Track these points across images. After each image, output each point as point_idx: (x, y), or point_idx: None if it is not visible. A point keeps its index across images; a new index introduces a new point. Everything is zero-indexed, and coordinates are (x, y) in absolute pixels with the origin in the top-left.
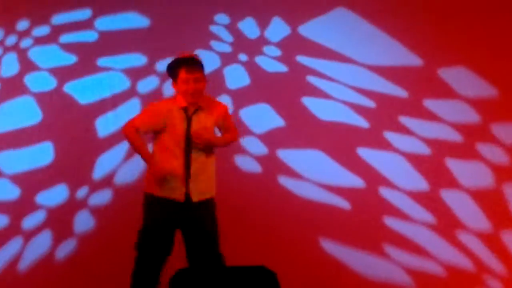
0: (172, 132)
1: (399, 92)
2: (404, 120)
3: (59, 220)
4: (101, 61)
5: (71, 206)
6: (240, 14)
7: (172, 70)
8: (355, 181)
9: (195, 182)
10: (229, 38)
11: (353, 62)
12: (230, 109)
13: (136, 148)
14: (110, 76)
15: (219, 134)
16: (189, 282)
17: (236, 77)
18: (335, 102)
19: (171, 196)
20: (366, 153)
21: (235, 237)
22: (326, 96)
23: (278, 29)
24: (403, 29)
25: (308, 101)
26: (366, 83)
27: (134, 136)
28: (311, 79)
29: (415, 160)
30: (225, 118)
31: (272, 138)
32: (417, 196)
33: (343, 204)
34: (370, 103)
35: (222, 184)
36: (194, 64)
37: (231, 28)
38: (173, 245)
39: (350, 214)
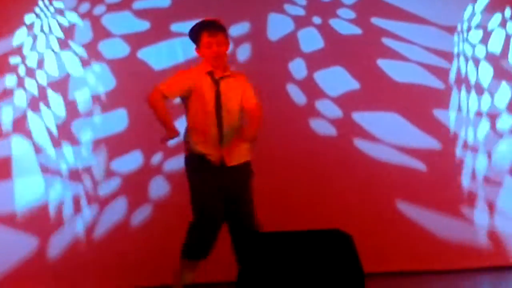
0: (202, 98)
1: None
2: (482, 80)
3: (134, 186)
4: (175, 27)
5: (146, 172)
6: None
7: (195, 35)
8: (431, 143)
9: (228, 146)
10: (302, 1)
11: (428, 23)
12: (304, 73)
13: (159, 116)
14: (184, 42)
15: None
16: (263, 245)
17: (310, 40)
18: (410, 63)
19: (210, 158)
20: (442, 114)
21: (312, 200)
22: (401, 58)
23: None
24: None
25: (383, 63)
26: (441, 44)
27: (159, 104)
28: (386, 41)
29: (493, 119)
30: (248, 87)
31: (347, 101)
32: (495, 157)
33: (420, 166)
34: (446, 64)
35: (298, 148)
36: (216, 27)
37: None
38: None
39: (427, 176)
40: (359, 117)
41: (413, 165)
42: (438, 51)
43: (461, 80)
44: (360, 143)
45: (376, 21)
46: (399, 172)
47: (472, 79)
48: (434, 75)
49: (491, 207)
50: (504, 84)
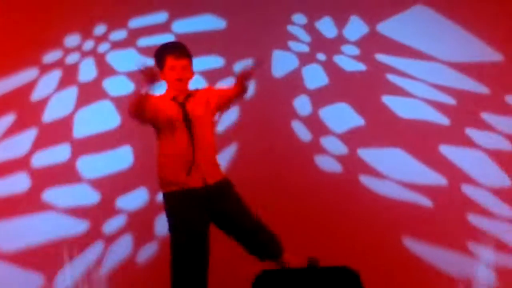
0: (169, 124)
1: (480, 88)
2: (486, 116)
3: (140, 224)
4: None
5: (152, 210)
6: (318, 13)
7: (159, 57)
8: (437, 179)
9: (205, 165)
10: (306, 38)
11: (432, 59)
12: (309, 110)
13: (138, 99)
14: None
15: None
16: (271, 283)
17: (315, 77)
18: (415, 99)
19: (190, 185)
20: (448, 151)
21: (317, 237)
22: (406, 94)
23: (356, 27)
24: (484, 25)
25: (388, 100)
26: (446, 80)
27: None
28: (391, 77)
29: (498, 156)
30: (217, 92)
31: (352, 138)
32: (501, 193)
33: (426, 202)
34: (451, 100)
35: (302, 185)
36: (182, 51)
37: (309, 27)
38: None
39: (433, 212)
40: (364, 153)
41: (419, 201)
42: (443, 87)
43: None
44: (366, 180)
45: (380, 57)
46: (405, 208)
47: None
48: (439, 111)
49: (498, 243)
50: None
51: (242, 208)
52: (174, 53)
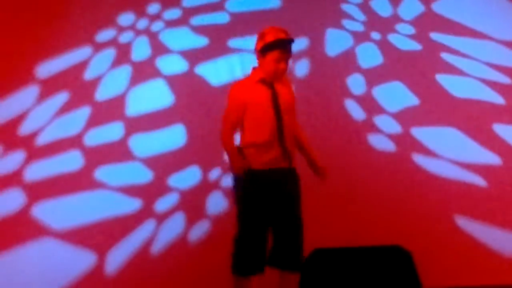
0: (259, 106)
1: None
2: None
3: (192, 202)
4: (232, 43)
5: (204, 188)
6: None
7: (270, 45)
8: (491, 158)
9: (289, 147)
10: (361, 16)
11: (488, 38)
12: (363, 88)
13: (232, 158)
14: (242, 57)
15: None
16: (324, 261)
17: (369, 55)
18: (470, 78)
19: (276, 165)
20: (502, 130)
21: (371, 216)
22: (460, 73)
23: (411, 6)
24: None
25: (443, 79)
26: (501, 59)
27: (232, 147)
28: (445, 56)
29: None
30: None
31: (406, 117)
32: None
33: (479, 181)
34: (506, 79)
35: (356, 163)
36: (290, 46)
37: (364, 6)
38: None
39: (486, 191)
40: (418, 132)
41: (473, 180)
42: (498, 66)
43: None
44: (419, 159)
45: (435, 36)
46: (458, 188)
47: None
48: (494, 90)
49: None
50: None
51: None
52: (285, 47)
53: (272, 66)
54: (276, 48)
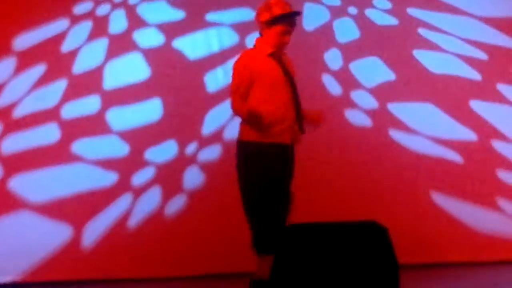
0: (269, 80)
1: None
2: None
3: (169, 176)
4: (210, 16)
5: (180, 162)
6: None
7: (277, 17)
8: (467, 134)
9: (302, 120)
10: None
11: (465, 14)
12: (340, 63)
13: (251, 120)
14: (219, 31)
15: None
16: (299, 237)
17: (346, 30)
18: (447, 54)
19: (286, 141)
20: (479, 106)
21: (347, 191)
22: (437, 48)
23: None
24: None
25: (419, 54)
26: (478, 35)
27: (244, 110)
28: (423, 31)
29: None
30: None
31: (383, 92)
32: None
33: (455, 157)
34: (482, 55)
35: (332, 139)
36: (296, 18)
37: None
38: None
39: (463, 167)
40: (394, 108)
41: (449, 156)
42: (475, 42)
43: (499, 71)
44: (396, 134)
45: (412, 11)
46: (435, 164)
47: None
48: (471, 67)
49: None
50: None
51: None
52: (292, 20)
53: (277, 38)
54: (283, 21)
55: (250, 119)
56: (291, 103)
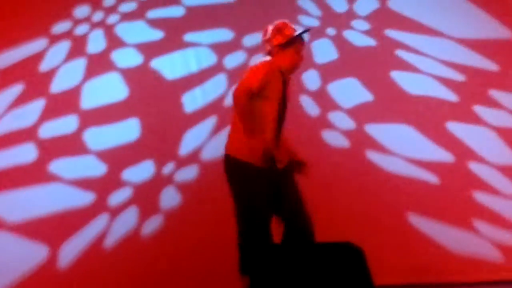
0: (272, 95)
1: (489, 65)
2: (494, 93)
3: (145, 197)
4: (188, 37)
5: (157, 182)
6: None
7: (295, 37)
8: (444, 156)
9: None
10: (317, 12)
11: (442, 36)
12: (317, 84)
13: (248, 118)
14: (197, 52)
15: None
16: (275, 258)
17: (324, 51)
18: (424, 76)
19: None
20: (455, 127)
21: (322, 212)
22: (415, 70)
23: (366, 2)
24: (494, 2)
25: (397, 75)
26: (455, 56)
27: (248, 104)
28: (400, 53)
29: (505, 134)
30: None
31: (360, 113)
32: (507, 170)
33: (432, 178)
34: (459, 77)
35: (309, 159)
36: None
37: (319, 2)
38: None
39: (439, 188)
40: (371, 129)
41: (425, 177)
42: (452, 63)
43: (475, 93)
44: (372, 155)
45: (390, 33)
46: (411, 185)
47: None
48: (448, 88)
49: (503, 220)
50: None
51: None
52: (303, 39)
53: (295, 58)
54: (301, 37)
55: (247, 120)
56: (277, 127)
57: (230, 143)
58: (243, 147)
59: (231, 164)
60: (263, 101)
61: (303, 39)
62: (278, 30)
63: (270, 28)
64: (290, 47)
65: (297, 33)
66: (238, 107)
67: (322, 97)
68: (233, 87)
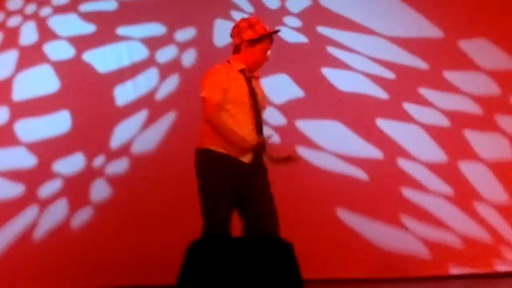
0: (238, 96)
1: (419, 63)
2: (424, 91)
3: (75, 189)
4: (120, 30)
5: (88, 175)
6: None
7: (261, 36)
8: (373, 152)
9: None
10: (249, 8)
11: (373, 33)
12: None
13: (226, 132)
14: (129, 45)
15: None
16: (205, 252)
17: None
18: (355, 73)
19: (241, 158)
20: (385, 124)
21: None
22: (346, 67)
23: None
24: (424, 1)
25: (328, 72)
26: (386, 54)
27: (220, 117)
28: (331, 50)
29: (433, 131)
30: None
31: (291, 109)
32: (435, 168)
33: (361, 175)
34: (390, 75)
35: None
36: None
37: None
38: None
39: (368, 185)
40: (302, 125)
41: (355, 174)
42: (382, 61)
43: (405, 91)
44: (303, 151)
45: (321, 30)
46: (341, 181)
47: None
48: (378, 85)
49: (431, 217)
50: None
51: (267, 197)
52: (272, 39)
53: (261, 56)
54: (268, 37)
55: (227, 132)
56: (254, 125)
57: (203, 136)
58: (217, 137)
59: (205, 156)
60: (232, 105)
61: (272, 39)
62: (250, 25)
63: (242, 22)
64: (259, 45)
65: (269, 32)
66: (213, 126)
67: None
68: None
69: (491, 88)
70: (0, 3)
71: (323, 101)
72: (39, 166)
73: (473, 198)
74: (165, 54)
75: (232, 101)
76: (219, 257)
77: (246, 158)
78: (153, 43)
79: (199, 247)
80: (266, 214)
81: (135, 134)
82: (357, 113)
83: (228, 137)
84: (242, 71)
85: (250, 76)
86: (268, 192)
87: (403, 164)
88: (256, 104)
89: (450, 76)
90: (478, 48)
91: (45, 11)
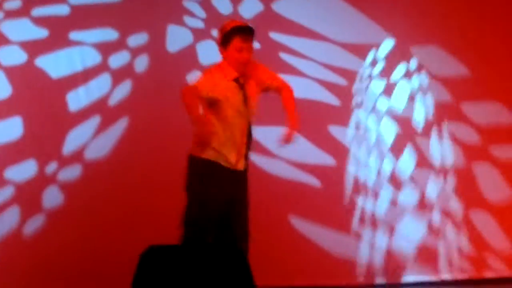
0: (229, 106)
1: (371, 70)
2: (379, 98)
3: (28, 196)
4: (73, 35)
5: (40, 182)
6: None
7: (226, 36)
8: (325, 159)
9: (244, 149)
10: (202, 13)
11: (326, 40)
12: None
13: (191, 110)
14: (82, 51)
15: None
16: (158, 258)
17: (209, 53)
18: (306, 79)
19: (231, 166)
20: (337, 131)
21: None
22: (298, 73)
23: (251, 5)
24: (377, 7)
25: None
26: (338, 60)
27: (191, 100)
28: (284, 56)
29: (386, 137)
30: (271, 78)
31: None
32: (386, 174)
33: (313, 181)
34: (341, 81)
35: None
36: (250, 33)
37: (205, 3)
38: None
39: (320, 191)
40: (254, 131)
41: (307, 180)
42: (335, 68)
43: (358, 98)
44: (255, 158)
45: (274, 35)
46: (293, 187)
47: (369, 101)
48: (331, 92)
49: (383, 224)
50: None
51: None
52: (243, 35)
53: (234, 56)
54: (235, 35)
55: (197, 123)
56: (244, 132)
57: (194, 142)
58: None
59: (196, 163)
60: (219, 104)
61: (244, 34)
62: (221, 28)
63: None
64: (230, 45)
65: (231, 28)
66: (182, 100)
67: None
68: None
69: (442, 94)
70: None
71: (275, 107)
72: None
73: (425, 205)
74: (118, 60)
75: (220, 100)
76: (172, 264)
77: (239, 165)
78: (105, 48)
79: (152, 253)
80: (239, 238)
81: (88, 140)
82: (309, 119)
83: (193, 119)
84: (235, 80)
85: (243, 82)
86: (246, 210)
87: (355, 171)
88: (246, 108)
89: (403, 82)
90: (429, 55)
91: None
